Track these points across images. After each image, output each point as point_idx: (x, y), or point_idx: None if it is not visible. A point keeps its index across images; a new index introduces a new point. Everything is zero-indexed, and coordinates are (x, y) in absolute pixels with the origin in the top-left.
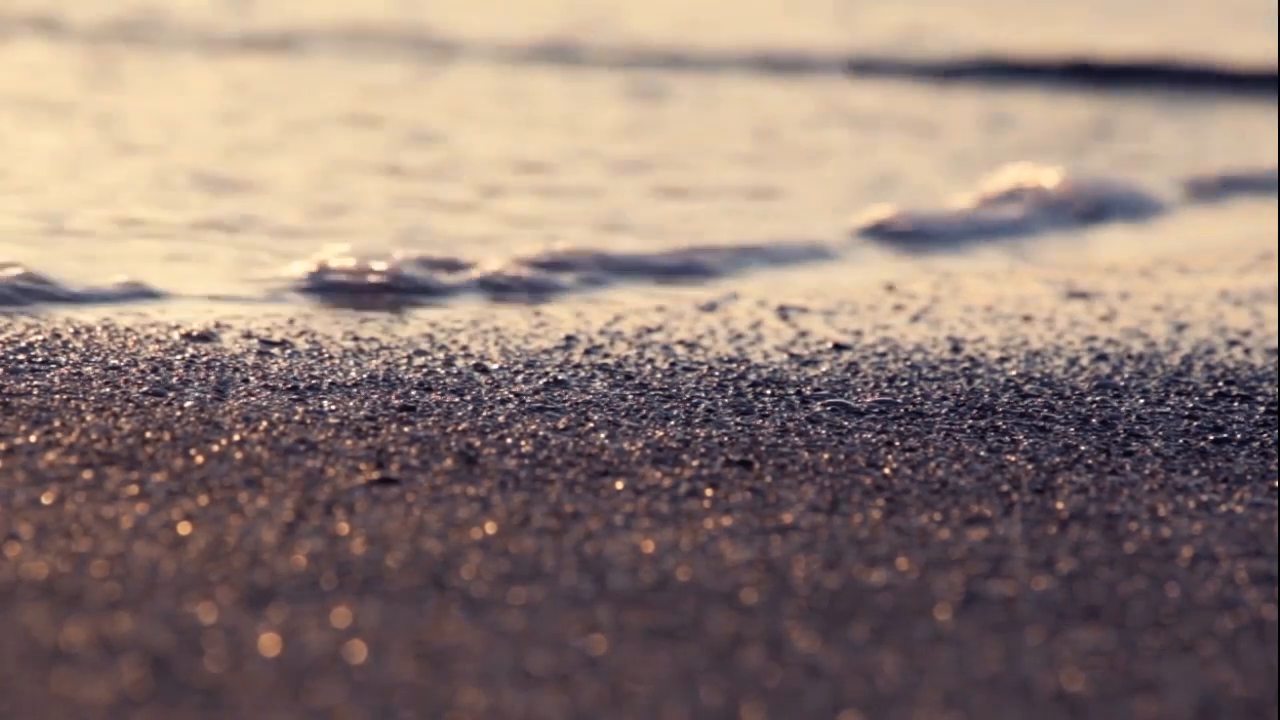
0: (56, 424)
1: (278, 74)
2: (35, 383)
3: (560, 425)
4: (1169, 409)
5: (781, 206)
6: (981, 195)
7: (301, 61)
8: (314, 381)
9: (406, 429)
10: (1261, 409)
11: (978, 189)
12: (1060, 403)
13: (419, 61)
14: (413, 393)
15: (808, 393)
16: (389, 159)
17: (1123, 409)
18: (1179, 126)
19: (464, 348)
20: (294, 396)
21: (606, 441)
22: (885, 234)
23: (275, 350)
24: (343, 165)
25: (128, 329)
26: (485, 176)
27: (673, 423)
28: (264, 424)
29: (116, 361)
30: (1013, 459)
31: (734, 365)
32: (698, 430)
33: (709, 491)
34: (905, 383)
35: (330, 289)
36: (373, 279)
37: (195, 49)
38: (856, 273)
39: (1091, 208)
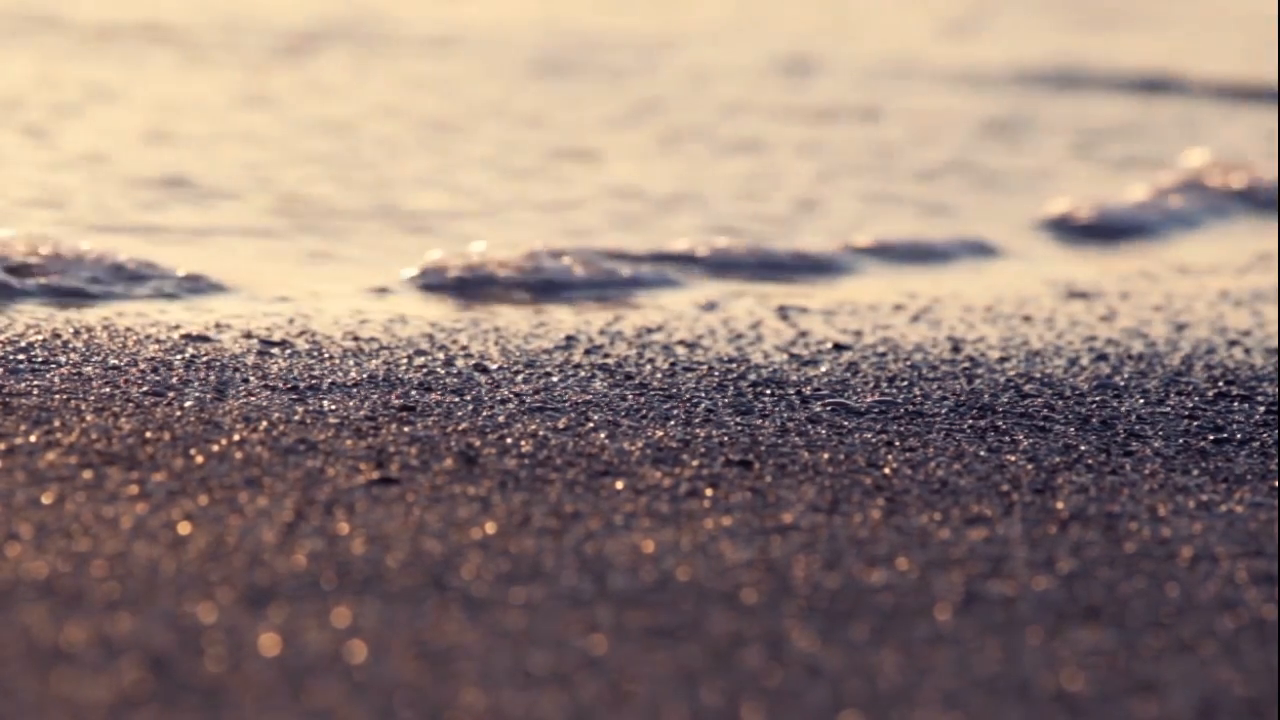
0: (56, 424)
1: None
2: (35, 383)
3: (560, 425)
4: (1169, 409)
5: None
6: (1157, 187)
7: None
8: (314, 381)
9: (406, 429)
10: (1261, 409)
11: (1152, 181)
12: (1060, 403)
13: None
14: (413, 393)
15: (808, 393)
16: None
17: (1123, 409)
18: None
19: (464, 348)
20: (294, 396)
21: (606, 441)
22: (1068, 228)
23: (275, 350)
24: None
25: (128, 329)
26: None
27: (673, 423)
28: (264, 424)
29: (116, 361)
30: (1013, 459)
31: (734, 365)
32: (698, 430)
33: (709, 491)
34: (905, 383)
35: (447, 286)
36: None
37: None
38: (1063, 268)
39: (1266, 196)
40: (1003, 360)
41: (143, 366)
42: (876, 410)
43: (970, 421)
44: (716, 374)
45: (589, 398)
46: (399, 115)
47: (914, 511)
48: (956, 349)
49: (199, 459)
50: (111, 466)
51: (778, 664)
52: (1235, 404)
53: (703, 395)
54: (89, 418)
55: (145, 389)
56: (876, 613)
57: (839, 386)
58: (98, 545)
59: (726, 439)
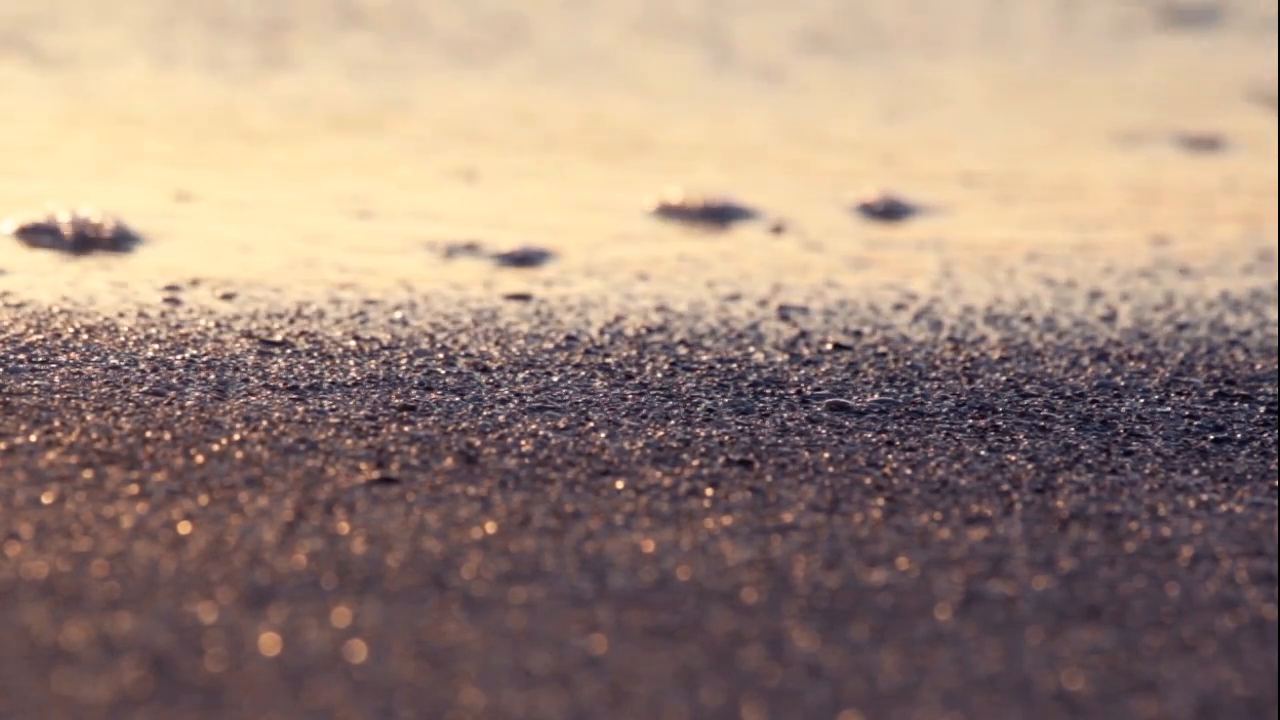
0: (57, 423)
1: None
2: (35, 382)
3: (560, 425)
4: (1169, 409)
5: None
6: None
7: None
8: (314, 381)
9: (407, 428)
10: (1261, 409)
11: None
12: (1060, 402)
13: None
14: (413, 392)
15: (808, 393)
16: None
17: (1123, 409)
18: None
19: (464, 347)
20: (294, 396)
21: (607, 441)
22: None
23: (275, 350)
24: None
25: (129, 329)
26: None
27: (673, 422)
28: (264, 423)
29: (117, 361)
30: (1013, 459)
31: (734, 365)
32: (698, 430)
33: (709, 491)
34: (905, 383)
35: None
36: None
37: None
38: None
39: None
40: (1003, 360)
41: (143, 366)
42: (876, 410)
43: (970, 421)
44: (716, 374)
45: (589, 397)
46: None
47: (914, 511)
48: (956, 349)
49: (199, 459)
50: (112, 466)
51: (778, 664)
52: (1235, 404)
53: (703, 395)
54: (89, 417)
55: (145, 389)
56: (876, 612)
57: (839, 386)
58: (98, 545)
59: (727, 439)
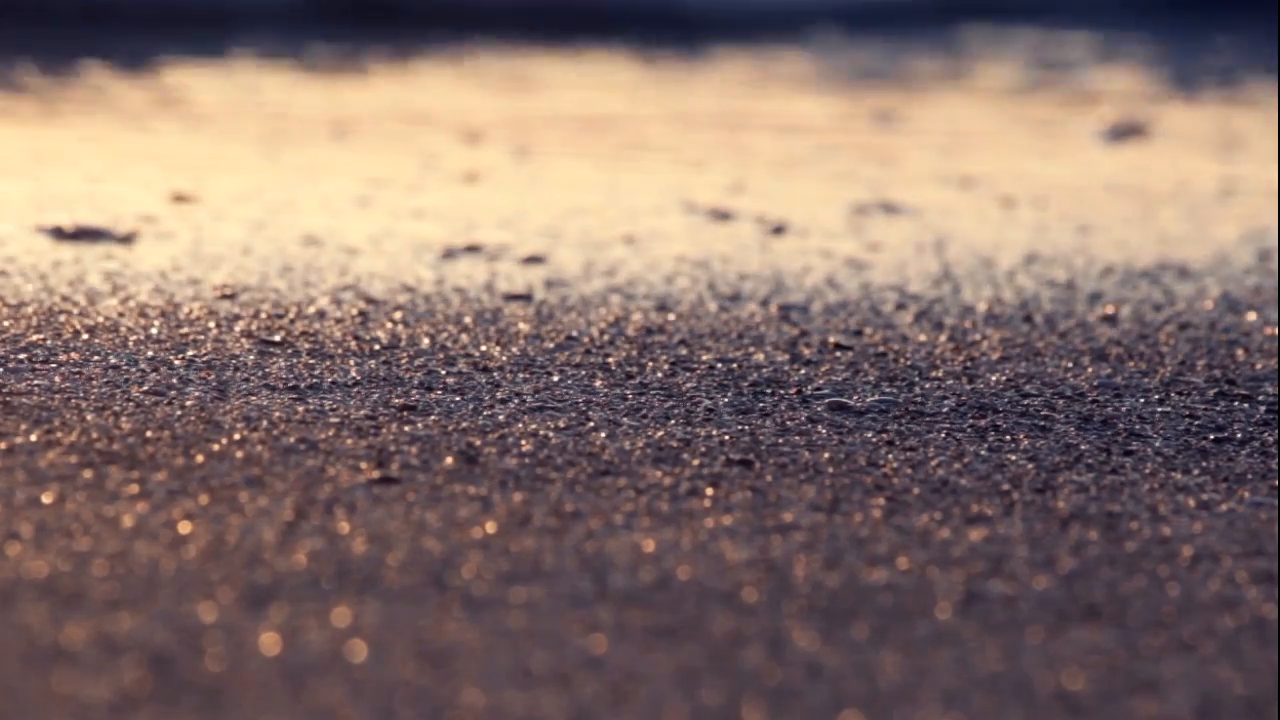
0: (57, 423)
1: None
2: (35, 382)
3: (560, 425)
4: (1169, 409)
5: None
6: None
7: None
8: (314, 380)
9: (407, 428)
10: (1262, 409)
11: None
12: (1060, 402)
13: None
14: (413, 392)
15: (808, 392)
16: None
17: (1123, 409)
18: None
19: (464, 347)
20: (294, 396)
21: (607, 441)
22: None
23: (275, 349)
24: None
25: (128, 329)
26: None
27: (673, 422)
28: (265, 423)
29: (116, 361)
30: (1013, 458)
31: (734, 365)
32: (698, 430)
33: (709, 491)
34: (905, 383)
35: None
36: None
37: None
38: None
39: None
40: (1003, 360)
41: (143, 366)
42: (877, 410)
43: (970, 421)
44: (717, 374)
45: (589, 397)
46: None
47: (914, 511)
48: (957, 349)
49: (199, 458)
50: (112, 466)
51: (778, 663)
52: (1235, 404)
53: (703, 395)
54: (89, 417)
55: (145, 389)
56: (877, 612)
57: (839, 386)
58: (98, 544)
59: (727, 439)
